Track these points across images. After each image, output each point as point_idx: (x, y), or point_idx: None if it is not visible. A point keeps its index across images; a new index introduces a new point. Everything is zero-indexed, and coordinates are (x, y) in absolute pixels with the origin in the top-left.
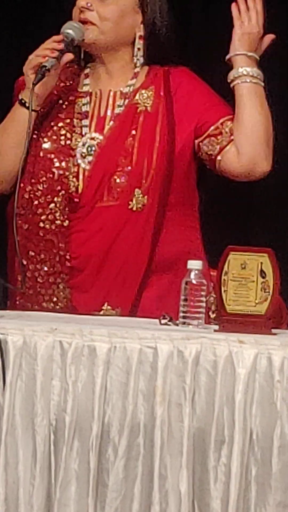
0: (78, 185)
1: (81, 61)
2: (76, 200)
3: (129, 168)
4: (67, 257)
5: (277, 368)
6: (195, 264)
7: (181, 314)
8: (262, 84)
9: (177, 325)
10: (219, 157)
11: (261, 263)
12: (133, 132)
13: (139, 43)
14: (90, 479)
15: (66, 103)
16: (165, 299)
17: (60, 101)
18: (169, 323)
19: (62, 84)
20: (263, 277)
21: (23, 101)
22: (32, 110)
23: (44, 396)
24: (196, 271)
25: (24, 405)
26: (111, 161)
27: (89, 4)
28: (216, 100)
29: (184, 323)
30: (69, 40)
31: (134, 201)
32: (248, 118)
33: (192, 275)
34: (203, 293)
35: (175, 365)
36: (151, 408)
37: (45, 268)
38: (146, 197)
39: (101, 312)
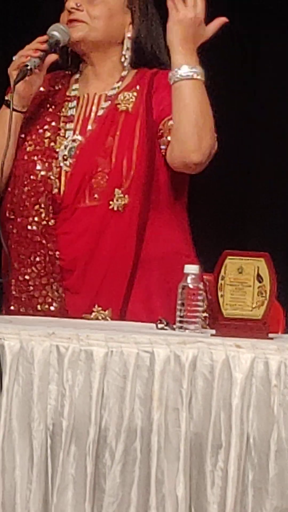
0: (60, 186)
1: (68, 66)
2: (58, 201)
3: (109, 168)
4: (57, 256)
5: (274, 372)
6: (191, 269)
7: (178, 319)
8: (197, 77)
9: (174, 329)
10: (167, 153)
11: (258, 267)
12: (113, 132)
13: (128, 42)
14: (87, 484)
15: (53, 107)
16: (153, 299)
17: (48, 105)
18: (166, 327)
19: (51, 89)
20: (260, 282)
21: (8, 102)
22: (16, 110)
23: (41, 400)
24: (193, 276)
25: (21, 410)
26: (91, 162)
27: (78, 4)
28: None
29: (181, 327)
30: (54, 41)
31: (114, 201)
32: (177, 113)
33: (189, 279)
34: (200, 297)
35: (172, 370)
36: (148, 413)
37: (36, 270)
38: (127, 196)
39: (93, 314)
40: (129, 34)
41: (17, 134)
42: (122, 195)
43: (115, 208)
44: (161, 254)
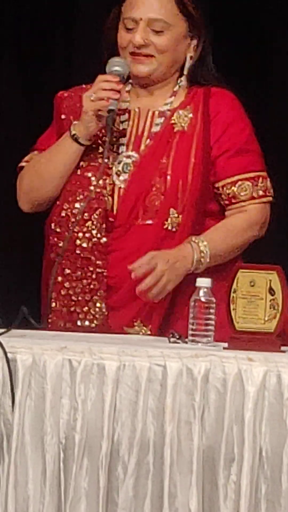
0: (113, 203)
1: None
2: (111, 219)
3: (164, 188)
4: (105, 274)
5: (286, 385)
6: (203, 282)
7: (190, 332)
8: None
9: (186, 342)
10: (227, 210)
11: (270, 280)
12: (168, 152)
13: (188, 63)
14: (100, 497)
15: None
16: None
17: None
18: (178, 341)
19: None
20: (272, 295)
21: (75, 136)
22: (82, 144)
23: (53, 414)
24: (205, 289)
25: (34, 424)
26: (146, 181)
27: (146, 41)
28: (246, 145)
29: (193, 340)
30: (122, 78)
31: (169, 221)
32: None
33: (201, 292)
34: (212, 310)
35: (184, 383)
36: (161, 426)
37: (81, 286)
38: (180, 216)
39: (133, 329)
40: (191, 55)
41: (76, 164)
42: (176, 215)
43: (170, 228)
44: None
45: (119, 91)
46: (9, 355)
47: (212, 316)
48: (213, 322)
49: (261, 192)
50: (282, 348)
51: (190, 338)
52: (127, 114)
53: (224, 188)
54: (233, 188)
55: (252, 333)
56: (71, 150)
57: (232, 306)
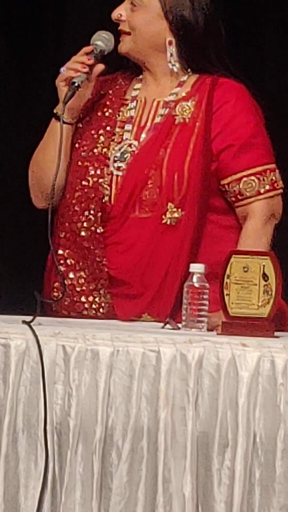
0: (111, 194)
1: (129, 66)
2: (108, 210)
3: (160, 181)
4: (104, 262)
5: (280, 371)
6: (197, 268)
7: (183, 317)
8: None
9: (179, 328)
10: (235, 207)
11: (263, 266)
12: (166, 144)
13: (169, 49)
14: (94, 483)
15: (109, 110)
16: None
17: (104, 109)
18: (171, 326)
19: (110, 91)
20: (266, 280)
21: (57, 114)
22: (66, 123)
23: (47, 400)
24: (199, 275)
25: (27, 410)
26: (142, 173)
27: (119, 15)
28: (251, 138)
29: (186, 326)
30: (98, 52)
31: (167, 215)
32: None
33: (195, 278)
34: (205, 296)
35: (178, 369)
36: (155, 412)
37: (84, 275)
38: (180, 210)
39: (139, 319)
40: (169, 39)
41: (69, 145)
42: (175, 209)
43: (168, 222)
44: (212, 266)
45: (88, 66)
46: (2, 340)
47: (206, 302)
48: (206, 308)
49: (268, 186)
50: (276, 333)
51: (183, 323)
52: (135, 102)
53: (230, 186)
54: (238, 185)
55: (245, 319)
56: (58, 130)
57: (225, 292)
